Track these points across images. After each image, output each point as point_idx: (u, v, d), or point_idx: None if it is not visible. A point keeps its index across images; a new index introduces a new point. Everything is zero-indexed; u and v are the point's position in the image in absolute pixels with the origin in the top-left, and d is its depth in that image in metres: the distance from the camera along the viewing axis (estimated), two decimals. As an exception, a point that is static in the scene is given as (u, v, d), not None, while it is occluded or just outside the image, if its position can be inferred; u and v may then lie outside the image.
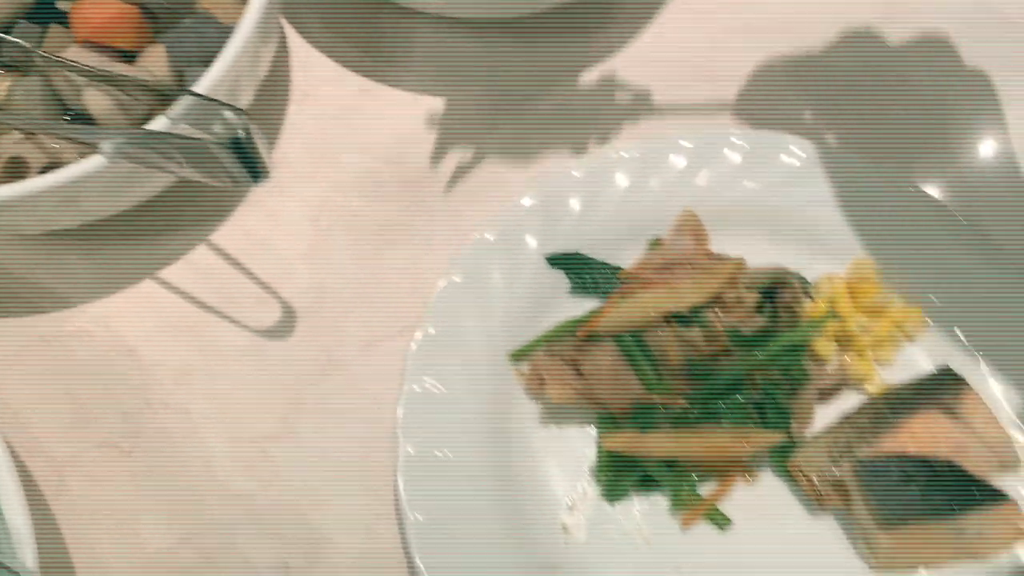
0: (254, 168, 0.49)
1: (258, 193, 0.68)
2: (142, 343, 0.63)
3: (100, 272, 0.66)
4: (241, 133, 0.48)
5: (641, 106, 0.71)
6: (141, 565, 0.57)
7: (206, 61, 0.60)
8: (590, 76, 0.72)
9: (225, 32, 0.61)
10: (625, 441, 0.56)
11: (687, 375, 0.56)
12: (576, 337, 0.58)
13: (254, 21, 0.60)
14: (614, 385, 0.56)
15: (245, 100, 0.64)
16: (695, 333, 0.55)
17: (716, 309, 0.56)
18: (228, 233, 0.67)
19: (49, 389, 0.62)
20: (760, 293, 0.57)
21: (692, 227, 0.63)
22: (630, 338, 0.56)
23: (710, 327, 0.55)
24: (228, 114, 0.49)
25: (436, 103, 0.72)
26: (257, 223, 0.67)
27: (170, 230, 0.67)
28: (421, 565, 0.53)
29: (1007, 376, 0.60)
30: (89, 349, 0.63)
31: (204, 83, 0.57)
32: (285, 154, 0.70)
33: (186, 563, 0.57)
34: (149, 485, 0.59)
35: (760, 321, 0.56)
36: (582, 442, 0.59)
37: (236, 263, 0.66)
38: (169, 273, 0.66)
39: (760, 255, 0.62)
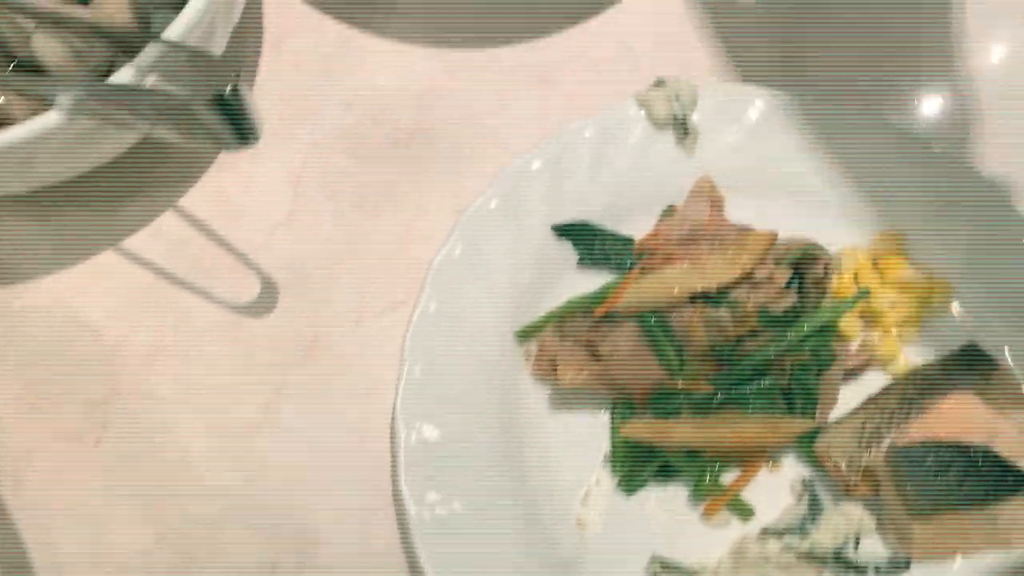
0: (241, 128, 0.43)
1: (229, 154, 0.62)
2: (105, 321, 0.57)
3: (55, 241, 0.59)
4: (227, 88, 0.42)
5: (653, 55, 0.65)
6: (113, 569, 0.51)
7: (176, 3, 0.53)
8: (606, 18, 0.66)
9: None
10: (646, 429, 0.52)
11: (712, 359, 0.52)
12: (592, 316, 0.53)
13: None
14: (634, 369, 0.52)
15: (217, 48, 0.57)
16: (723, 313, 0.51)
17: (746, 287, 0.51)
18: (198, 198, 0.60)
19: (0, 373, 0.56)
20: (791, 269, 0.53)
21: (709, 193, 0.59)
22: (652, 318, 0.51)
23: (740, 307, 0.51)
24: (208, 65, 0.42)
25: (425, 53, 0.65)
26: (231, 187, 0.61)
27: (133, 194, 0.60)
28: (426, 564, 0.49)
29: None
30: (44, 328, 0.57)
31: (175, 28, 0.50)
32: (259, 110, 0.63)
33: (163, 565, 0.51)
34: (119, 480, 0.53)
35: (791, 299, 0.52)
36: (595, 428, 0.54)
37: (208, 231, 0.60)
38: (133, 243, 0.59)
39: (776, 224, 0.58)
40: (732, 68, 0.66)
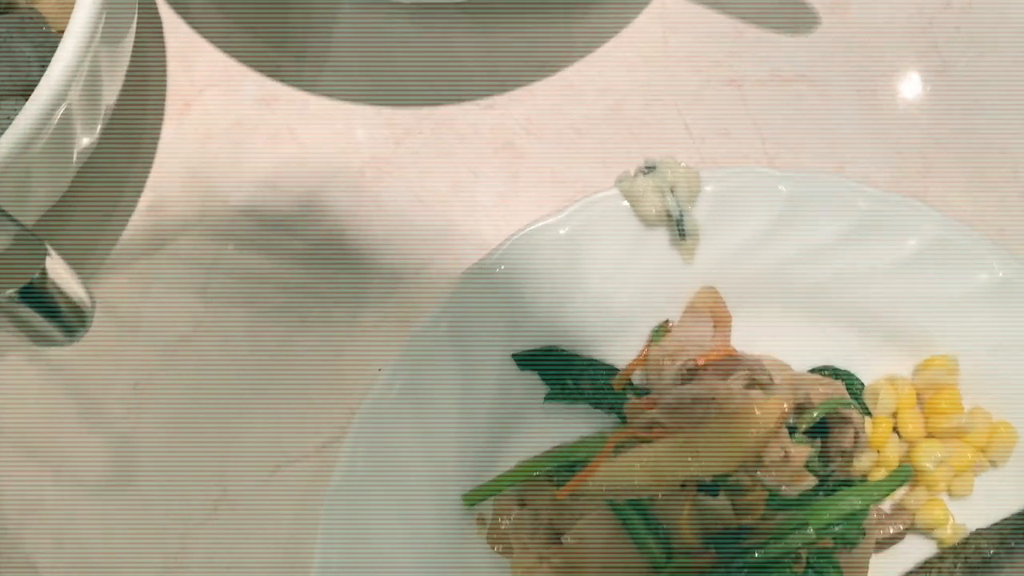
0: (62, 320, 0.32)
1: (123, 250, 0.50)
2: (-31, 472, 0.47)
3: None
4: (34, 275, 0.30)
5: (638, 125, 0.53)
6: None
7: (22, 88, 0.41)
8: (567, 82, 0.54)
9: (50, 41, 0.42)
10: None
11: (708, 553, 0.41)
12: (557, 496, 0.42)
13: (91, 19, 0.41)
14: (606, 563, 0.41)
15: (86, 139, 0.45)
16: (722, 503, 0.39)
17: (752, 468, 0.40)
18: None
19: None
20: (811, 441, 0.41)
21: (711, 309, 0.47)
22: (631, 506, 0.40)
23: (743, 493, 0.40)
24: (12, 241, 0.31)
25: (365, 114, 0.53)
26: (121, 293, 0.50)
27: None
28: None
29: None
30: None
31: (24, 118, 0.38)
32: (157, 193, 0.51)
33: None
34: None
35: (811, 480, 0.41)
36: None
37: (94, 353, 0.49)
38: (6, 374, 0.49)
39: (796, 351, 0.47)
40: (747, 138, 0.53)
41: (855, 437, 0.41)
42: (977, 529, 0.45)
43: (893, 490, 0.43)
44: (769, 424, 0.40)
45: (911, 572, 0.45)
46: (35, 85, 0.40)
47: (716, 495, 0.40)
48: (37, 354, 0.49)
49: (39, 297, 0.30)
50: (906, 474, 0.43)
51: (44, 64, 0.40)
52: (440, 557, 0.44)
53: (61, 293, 0.31)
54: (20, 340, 0.32)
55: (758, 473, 0.40)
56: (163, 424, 0.48)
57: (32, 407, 0.48)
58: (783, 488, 0.40)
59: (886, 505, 0.46)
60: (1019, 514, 0.45)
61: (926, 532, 0.46)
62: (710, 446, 0.40)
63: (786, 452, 0.40)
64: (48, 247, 0.30)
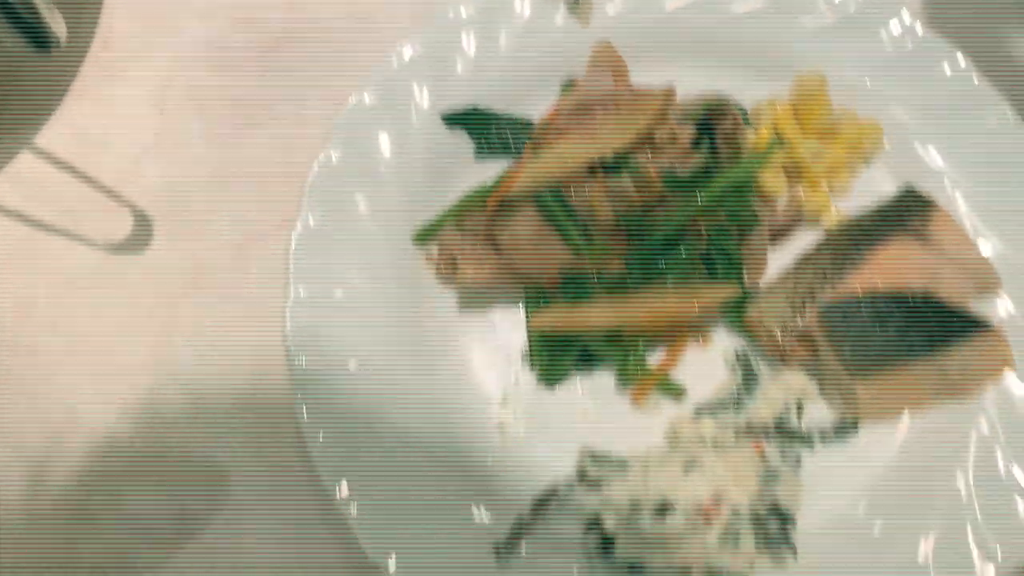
0: (34, 33, 0.37)
1: (84, 78, 0.56)
2: (-34, 279, 0.52)
3: (-100, 198, 0.54)
4: (9, -12, 0.36)
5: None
6: (5, 533, 0.47)
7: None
8: None
9: None
10: (555, 318, 0.47)
11: (621, 232, 0.47)
12: (487, 206, 0.48)
13: None
14: (537, 255, 0.47)
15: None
16: (625, 182, 0.46)
17: (647, 151, 0.47)
18: (55, 134, 0.55)
19: None
20: (695, 126, 0.48)
21: (609, 60, 0.54)
22: (550, 196, 0.47)
23: (641, 173, 0.46)
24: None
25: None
26: (89, 116, 0.55)
27: (-20, 138, 0.55)
28: (338, 490, 0.45)
29: (981, 186, 0.53)
30: (-99, 292, 0.52)
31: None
32: (110, 28, 0.57)
33: (62, 530, 0.48)
34: (3, 444, 0.49)
35: (698, 159, 0.47)
36: (510, 325, 0.50)
37: (70, 168, 0.54)
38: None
39: (689, 85, 0.53)
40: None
41: (733, 123, 0.48)
42: (854, 216, 0.53)
43: (764, 158, 0.49)
44: (654, 107, 0.46)
45: (805, 252, 0.51)
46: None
47: (620, 176, 0.46)
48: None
49: (10, 10, 0.36)
50: (776, 144, 0.50)
51: None
52: (396, 293, 0.50)
53: (31, 9, 0.37)
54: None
55: (652, 155, 0.46)
56: (139, 220, 0.53)
57: (18, 223, 0.53)
58: (676, 168, 0.47)
59: (778, 205, 0.53)
60: (894, 198, 0.52)
61: (814, 221, 0.53)
62: (608, 130, 0.46)
63: (673, 132, 0.46)
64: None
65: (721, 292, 0.47)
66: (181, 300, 0.52)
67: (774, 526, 0.45)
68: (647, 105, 0.47)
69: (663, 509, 0.44)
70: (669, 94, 0.48)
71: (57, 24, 0.38)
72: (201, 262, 0.53)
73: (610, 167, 0.46)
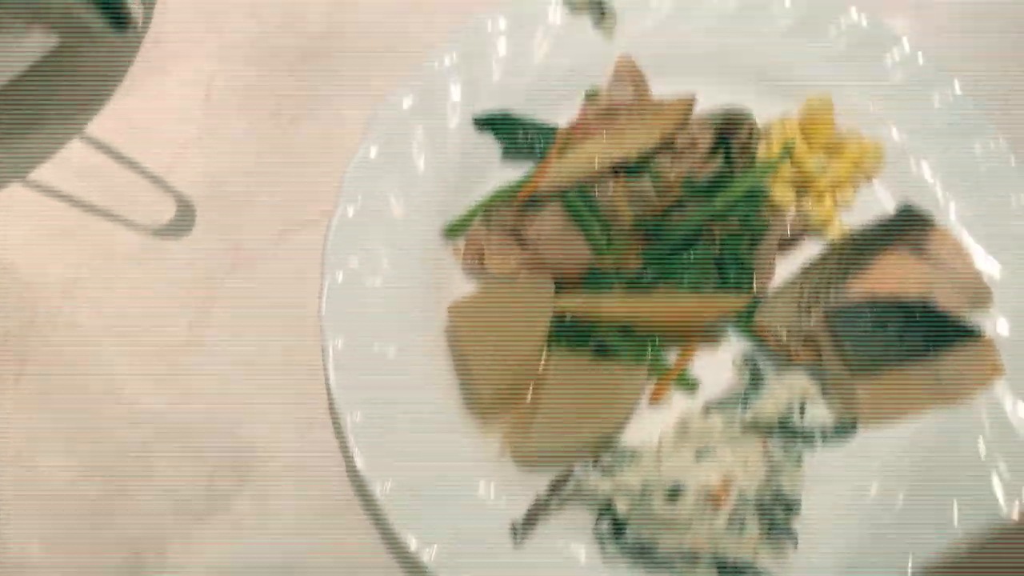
0: (114, 14, 0.40)
1: (134, 72, 0.59)
2: (16, 255, 0.55)
3: (-45, 177, 0.57)
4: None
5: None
6: (41, 500, 0.50)
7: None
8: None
9: None
10: (577, 303, 0.50)
11: (640, 233, 0.50)
12: (515, 202, 0.51)
13: None
14: (561, 250, 0.50)
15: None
16: (646, 184, 0.49)
17: (667, 155, 0.50)
18: (104, 122, 0.58)
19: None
20: (713, 135, 0.51)
21: (630, 74, 0.57)
22: (576, 195, 0.50)
23: (662, 176, 0.49)
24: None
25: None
26: (137, 107, 0.58)
27: (34, 124, 0.58)
28: (363, 467, 0.48)
29: (972, 207, 0.56)
30: (-48, 266, 0.55)
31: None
32: (160, 24, 0.60)
33: (94, 494, 0.50)
34: (43, 413, 0.51)
35: (714, 166, 0.51)
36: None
37: (118, 155, 0.57)
38: (40, 174, 0.57)
39: (704, 100, 0.56)
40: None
41: (749, 132, 0.51)
42: (856, 229, 0.56)
43: (775, 166, 0.53)
44: (676, 114, 0.50)
45: (811, 260, 0.55)
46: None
47: (641, 179, 0.49)
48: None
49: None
50: (786, 153, 0.53)
51: None
52: (426, 282, 0.53)
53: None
54: (71, 35, 0.40)
55: (672, 160, 0.50)
56: (182, 206, 0.56)
57: (67, 204, 0.56)
58: (694, 173, 0.50)
59: (787, 216, 0.56)
60: (894, 213, 0.56)
61: (820, 233, 0.56)
62: (631, 134, 0.50)
63: (693, 138, 0.50)
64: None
65: (733, 303, 0.50)
66: (217, 284, 0.55)
67: (779, 514, 0.48)
68: (670, 112, 0.50)
69: (675, 492, 0.46)
70: (690, 102, 0.51)
71: (135, 5, 0.41)
72: (238, 250, 0.55)
73: (632, 170, 0.50)
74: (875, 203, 0.57)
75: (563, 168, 0.50)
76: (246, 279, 0.55)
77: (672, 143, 0.50)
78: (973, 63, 0.59)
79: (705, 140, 0.50)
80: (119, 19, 0.40)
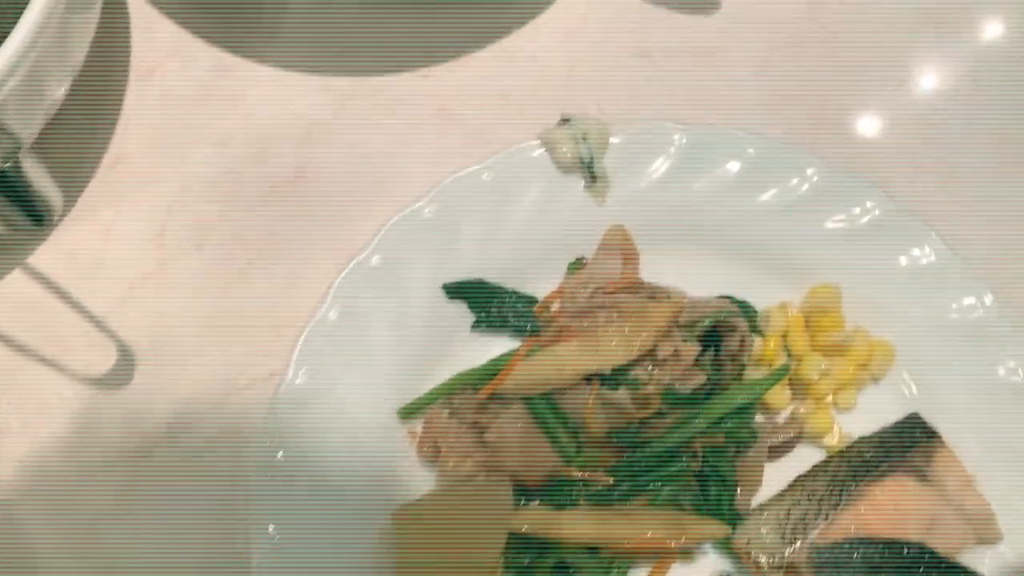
0: (31, 209, 0.36)
1: (88, 201, 0.55)
2: (-63, 400, 0.51)
3: None
4: (7, 163, 0.35)
5: (559, 89, 0.59)
6: None
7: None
8: (498, 53, 0.59)
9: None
10: (535, 520, 0.45)
11: (612, 444, 0.46)
12: (478, 396, 0.47)
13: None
14: (524, 456, 0.46)
15: (57, 91, 0.50)
16: (622, 395, 0.44)
17: (648, 364, 0.45)
18: (49, 255, 0.53)
19: None
20: (701, 341, 0.46)
21: (621, 245, 0.52)
22: (542, 403, 0.45)
23: (640, 387, 0.45)
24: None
25: (311, 82, 0.58)
26: (86, 240, 0.54)
27: (-30, 253, 0.54)
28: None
29: (984, 424, 0.51)
30: None
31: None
32: (121, 149, 0.56)
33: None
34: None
35: (701, 377, 0.46)
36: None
37: (60, 292, 0.53)
38: None
39: (699, 277, 0.52)
40: (654, 104, 0.58)
41: (741, 342, 0.47)
42: (860, 437, 0.51)
43: (772, 384, 0.48)
44: (661, 323, 0.45)
45: (802, 475, 0.50)
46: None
47: (617, 389, 0.45)
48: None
49: (11, 184, 0.35)
50: (784, 370, 0.48)
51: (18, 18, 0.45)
52: (374, 468, 0.49)
53: (32, 186, 0.36)
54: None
55: (653, 369, 0.45)
56: (122, 355, 0.52)
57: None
58: (676, 384, 0.45)
59: (780, 417, 0.51)
60: (897, 423, 0.51)
61: (815, 440, 0.51)
62: (609, 342, 0.45)
63: (676, 349, 0.45)
64: (18, 143, 0.35)
65: (710, 530, 0.45)
66: (153, 449, 0.50)
67: None
68: (654, 317, 0.45)
69: None
70: (677, 310, 0.46)
71: (55, 198, 0.37)
72: (179, 410, 0.51)
73: (607, 379, 0.45)
74: (880, 408, 0.51)
75: (532, 369, 0.45)
76: (181, 446, 0.50)
77: (654, 352, 0.45)
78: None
79: (690, 352, 0.45)
80: (36, 216, 0.36)
